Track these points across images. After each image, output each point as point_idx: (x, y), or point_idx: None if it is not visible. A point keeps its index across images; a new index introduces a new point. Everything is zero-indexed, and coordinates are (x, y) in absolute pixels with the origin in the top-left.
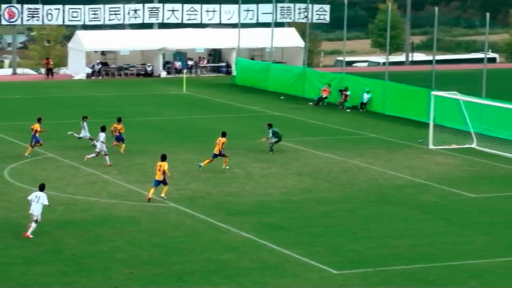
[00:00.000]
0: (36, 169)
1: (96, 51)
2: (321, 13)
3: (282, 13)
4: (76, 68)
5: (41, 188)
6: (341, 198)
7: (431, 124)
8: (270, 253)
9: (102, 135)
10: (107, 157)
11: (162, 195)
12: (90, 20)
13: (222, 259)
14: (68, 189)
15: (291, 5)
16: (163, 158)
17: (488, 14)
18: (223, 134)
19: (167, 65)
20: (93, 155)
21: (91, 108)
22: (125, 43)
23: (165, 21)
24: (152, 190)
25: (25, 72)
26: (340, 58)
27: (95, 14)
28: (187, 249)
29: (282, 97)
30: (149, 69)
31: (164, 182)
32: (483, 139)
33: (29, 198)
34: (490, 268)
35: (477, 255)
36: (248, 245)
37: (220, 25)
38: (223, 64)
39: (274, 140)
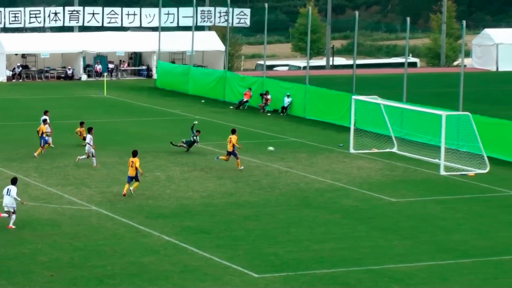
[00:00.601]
0: None
1: (16, 54)
2: (242, 17)
3: (203, 17)
4: None
5: (13, 181)
6: (262, 201)
7: (352, 128)
8: (191, 257)
9: (89, 137)
10: (94, 159)
11: (131, 189)
12: (10, 23)
13: (143, 262)
14: None
15: (212, 8)
16: (135, 154)
17: (408, 19)
18: (233, 131)
19: (87, 68)
20: (85, 156)
21: (11, 111)
22: (46, 46)
23: (86, 24)
24: (126, 186)
25: None
26: (261, 62)
27: (15, 17)
28: (108, 252)
29: (203, 101)
30: (69, 72)
31: (135, 178)
32: (404, 144)
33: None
34: (411, 272)
35: (398, 260)
36: (169, 248)
37: (140, 28)
38: (144, 67)
39: (186, 144)
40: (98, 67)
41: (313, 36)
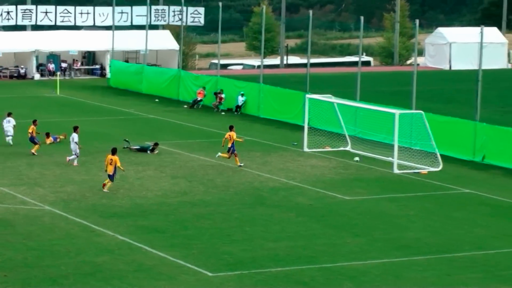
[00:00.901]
0: None
1: None
2: (196, 16)
3: (157, 16)
4: None
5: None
6: (216, 200)
7: (306, 127)
8: (145, 256)
9: (76, 136)
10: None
11: (105, 189)
12: None
13: (97, 261)
14: None
15: (166, 7)
16: (114, 152)
17: (362, 18)
18: (231, 128)
19: (40, 67)
20: (74, 156)
21: None
22: None
23: (39, 23)
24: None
25: None
26: (215, 61)
27: None
28: (62, 252)
29: (156, 100)
30: (22, 71)
31: (110, 176)
32: (357, 142)
33: None
34: (364, 270)
35: (351, 257)
36: (123, 247)
37: (94, 27)
38: (97, 66)
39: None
40: (51, 66)
41: (267, 35)
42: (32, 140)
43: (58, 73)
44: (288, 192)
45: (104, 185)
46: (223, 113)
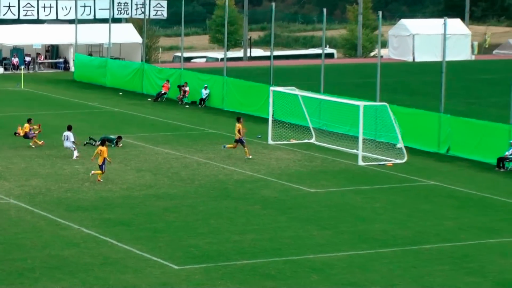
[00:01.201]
0: None
1: None
2: (159, 9)
3: (119, 9)
4: None
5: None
6: (181, 193)
7: (270, 119)
8: (112, 249)
9: (71, 134)
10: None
11: (98, 179)
12: None
13: (64, 255)
14: None
15: (128, 1)
16: (103, 143)
17: (325, 10)
18: (238, 119)
19: (4, 61)
20: (76, 154)
21: None
22: None
23: (2, 17)
24: (99, 172)
25: None
26: (178, 54)
27: None
28: (28, 246)
29: (121, 93)
30: None
31: (100, 167)
32: (322, 134)
33: None
34: (331, 262)
35: (318, 250)
36: (89, 241)
37: (57, 21)
38: (61, 60)
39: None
40: (15, 60)
41: (230, 28)
42: (27, 137)
43: (22, 67)
44: (253, 185)
45: (92, 174)
46: (187, 106)
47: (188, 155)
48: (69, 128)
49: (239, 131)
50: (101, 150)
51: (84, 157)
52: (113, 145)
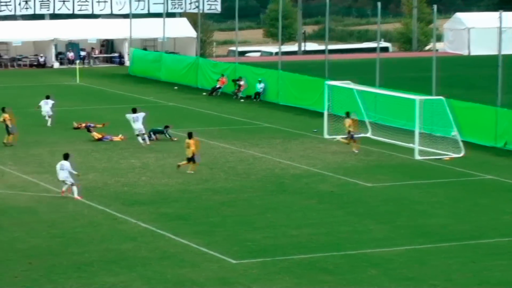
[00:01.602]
0: None
1: None
2: (213, 3)
3: (174, 3)
4: None
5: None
6: (237, 188)
7: (326, 113)
8: (169, 243)
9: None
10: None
11: (189, 170)
12: None
13: (121, 249)
14: None
15: None
16: (190, 136)
17: (379, 3)
18: (348, 114)
19: (60, 56)
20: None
21: None
22: (17, 34)
23: (57, 12)
24: (187, 164)
25: None
26: (233, 48)
27: None
28: (85, 239)
29: (176, 87)
30: (41, 60)
31: (190, 159)
32: (378, 128)
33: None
34: (389, 257)
35: (375, 244)
36: (146, 235)
37: (111, 15)
38: (116, 54)
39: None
40: (71, 55)
41: (284, 22)
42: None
43: (78, 61)
44: (309, 179)
45: (180, 166)
46: (242, 100)
47: (244, 149)
48: (66, 157)
49: (349, 126)
50: (188, 143)
51: (140, 151)
52: (167, 136)
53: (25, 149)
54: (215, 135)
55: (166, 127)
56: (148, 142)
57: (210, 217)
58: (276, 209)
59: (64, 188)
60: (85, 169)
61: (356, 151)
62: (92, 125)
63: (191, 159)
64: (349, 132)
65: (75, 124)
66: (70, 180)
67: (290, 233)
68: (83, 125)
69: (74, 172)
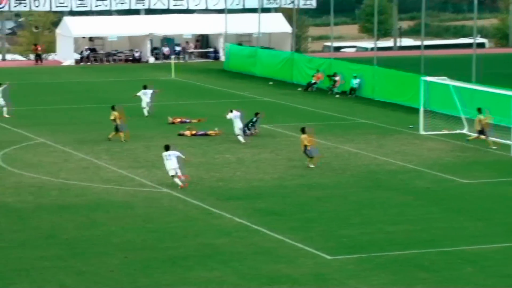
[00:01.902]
0: (28, 154)
1: (84, 37)
2: None
3: None
4: (65, 54)
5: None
6: (333, 183)
7: (422, 109)
8: (264, 238)
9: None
10: None
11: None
12: (77, 6)
13: (216, 244)
14: (61, 174)
15: None
16: (303, 131)
17: None
18: (479, 110)
19: (155, 51)
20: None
21: (81, 94)
22: (113, 29)
23: (152, 7)
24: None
25: (15, 58)
26: (328, 43)
27: (82, 0)
28: (180, 234)
29: (271, 82)
30: (137, 54)
31: (307, 153)
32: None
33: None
34: (485, 254)
35: (471, 241)
36: (241, 230)
37: (206, 10)
38: (211, 49)
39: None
40: (166, 50)
41: (380, 17)
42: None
43: (173, 56)
44: (405, 176)
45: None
46: (337, 95)
47: (339, 145)
48: (167, 148)
49: (480, 121)
50: (304, 138)
51: (235, 146)
52: (253, 126)
53: (120, 144)
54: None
55: (256, 114)
56: (244, 139)
57: (305, 212)
58: (372, 205)
59: (180, 183)
60: (180, 164)
61: (495, 147)
62: (187, 120)
63: (307, 154)
64: (482, 129)
65: (170, 119)
66: (178, 170)
67: (386, 229)
68: (178, 120)
69: (182, 156)
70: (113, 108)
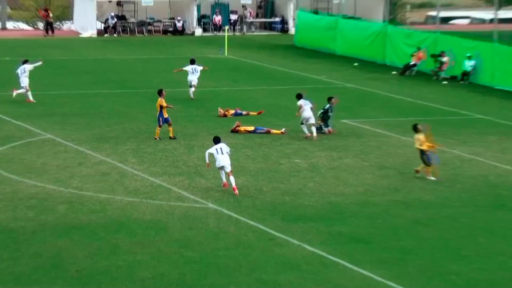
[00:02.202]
0: (30, 154)
1: (110, 1)
2: None
3: None
4: (84, 22)
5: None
6: (438, 200)
7: None
8: (343, 274)
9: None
10: None
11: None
12: None
13: (279, 281)
14: (72, 182)
15: None
16: (416, 129)
17: None
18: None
19: (203, 20)
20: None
21: (103, 75)
22: None
23: None
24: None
25: (18, 26)
26: (433, 13)
27: None
28: (231, 267)
29: (356, 64)
30: (179, 24)
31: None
32: None
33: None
34: None
35: None
36: (313, 262)
37: None
38: (277, 19)
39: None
40: (217, 19)
41: None
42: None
43: (227, 27)
44: None
45: (417, 171)
46: (444, 81)
47: (447, 149)
48: (217, 141)
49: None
50: (419, 139)
51: (307, 148)
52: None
53: (154, 143)
54: (408, 129)
55: (330, 99)
56: (315, 134)
57: (401, 240)
58: (491, 230)
59: (224, 179)
60: (233, 171)
61: None
62: (243, 112)
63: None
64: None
65: (221, 111)
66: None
67: (510, 264)
68: (231, 112)
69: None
70: (160, 93)
